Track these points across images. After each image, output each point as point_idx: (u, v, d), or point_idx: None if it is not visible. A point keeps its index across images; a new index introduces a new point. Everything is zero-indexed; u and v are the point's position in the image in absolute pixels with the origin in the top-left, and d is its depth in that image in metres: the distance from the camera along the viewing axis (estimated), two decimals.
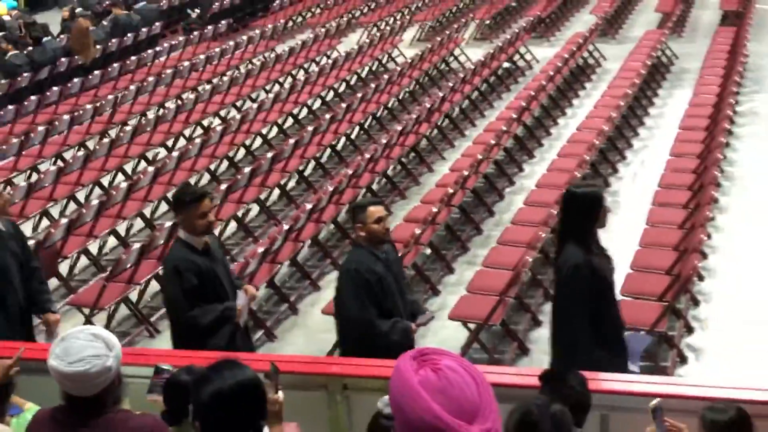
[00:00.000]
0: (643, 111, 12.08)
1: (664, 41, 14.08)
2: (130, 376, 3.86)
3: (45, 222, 9.08)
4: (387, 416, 3.10)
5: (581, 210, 5.00)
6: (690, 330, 6.88)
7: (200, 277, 5.27)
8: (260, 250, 7.14)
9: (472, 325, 6.63)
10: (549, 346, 5.30)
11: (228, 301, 5.41)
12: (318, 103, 12.80)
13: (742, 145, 10.66)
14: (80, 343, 3.12)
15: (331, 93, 13.20)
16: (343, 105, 11.11)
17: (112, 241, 8.84)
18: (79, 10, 16.17)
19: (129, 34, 15.23)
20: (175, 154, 9.63)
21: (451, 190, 8.23)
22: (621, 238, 8.35)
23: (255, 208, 9.44)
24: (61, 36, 14.88)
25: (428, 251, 8.19)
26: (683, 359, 6.55)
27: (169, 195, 9.50)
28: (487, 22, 16.95)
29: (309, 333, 7.31)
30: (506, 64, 14.08)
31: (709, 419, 3.60)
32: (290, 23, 17.62)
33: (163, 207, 9.59)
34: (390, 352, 4.04)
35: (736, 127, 11.02)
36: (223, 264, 5.58)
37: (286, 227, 7.53)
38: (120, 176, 10.26)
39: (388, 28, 15.67)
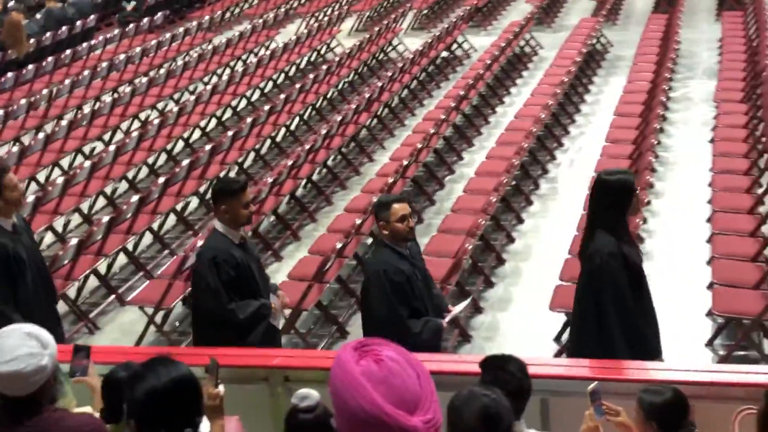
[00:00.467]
0: (580, 98, 12.24)
1: (598, 29, 14.28)
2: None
3: None
4: (304, 410, 3.10)
5: (613, 198, 4.88)
6: None
7: (237, 270, 5.15)
8: (199, 243, 7.08)
9: None
10: (570, 335, 5.11)
11: (263, 299, 5.29)
12: (257, 95, 12.73)
13: (676, 131, 10.86)
14: (13, 342, 3.07)
15: (270, 84, 13.14)
16: (282, 96, 11.07)
17: (49, 236, 8.70)
18: (11, 3, 15.84)
19: (63, 27, 14.97)
20: (112, 147, 9.50)
21: (391, 180, 8.26)
22: (559, 225, 8.49)
23: (194, 201, 9.37)
24: None
25: (369, 241, 8.21)
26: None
27: (107, 190, 9.39)
28: (425, 11, 17.01)
29: None
30: (444, 53, 14.14)
31: (646, 401, 3.66)
32: (227, 14, 17.47)
33: (101, 202, 9.46)
34: (421, 351, 3.95)
35: (670, 112, 11.21)
36: (256, 259, 5.48)
37: None
38: (56, 171, 10.10)
39: (326, 18, 15.63)
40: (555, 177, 9.84)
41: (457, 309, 5.47)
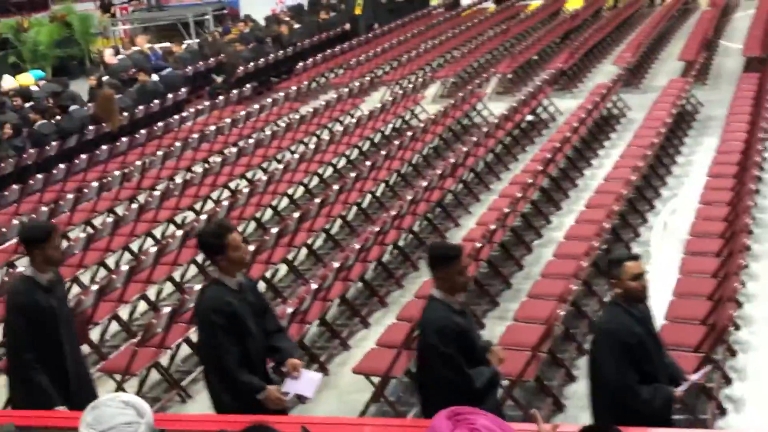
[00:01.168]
0: (671, 159, 12.03)
1: (688, 89, 14.07)
2: None
3: (76, 289, 9.10)
4: None
5: None
6: (728, 381, 6.75)
7: (462, 339, 5.10)
8: (289, 310, 7.12)
9: (505, 382, 6.54)
10: None
11: (490, 366, 5.20)
12: (343, 162, 12.86)
13: None
14: (111, 411, 3.11)
15: (356, 151, 13.27)
16: (368, 163, 11.15)
17: (142, 305, 8.86)
18: (105, 78, 16.42)
19: (155, 101, 15.45)
20: (203, 217, 9.67)
21: (478, 245, 8.18)
22: (654, 289, 8.24)
23: (283, 268, 9.44)
24: (89, 104, 15.09)
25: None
26: (722, 411, 6.42)
27: (198, 258, 9.53)
28: (509, 75, 17.04)
29: (340, 394, 7.24)
30: (529, 117, 14.11)
31: None
32: (314, 84, 17.81)
33: (192, 270, 9.60)
34: (650, 420, 3.77)
35: (765, 173, 10.92)
36: (474, 326, 5.38)
37: (314, 286, 7.50)
38: (149, 241, 10.31)
39: (410, 85, 15.78)
40: (647, 240, 9.63)
41: (694, 377, 5.19)
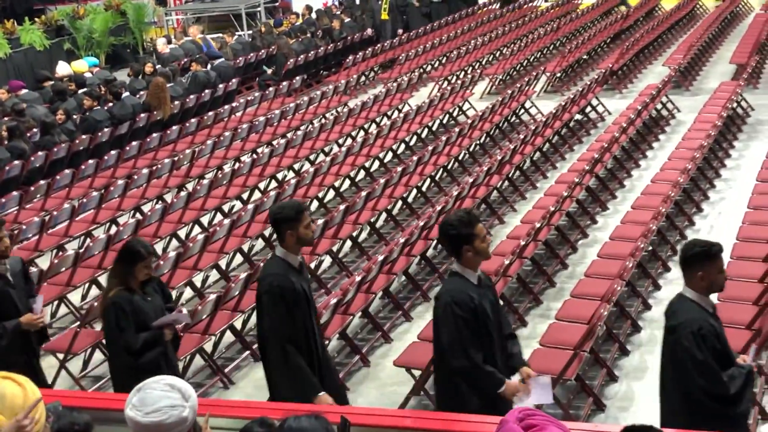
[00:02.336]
0: (719, 163, 11.91)
1: (739, 92, 13.91)
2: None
3: None
4: None
5: None
6: None
7: (718, 341, 4.84)
8: (333, 301, 7.18)
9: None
10: None
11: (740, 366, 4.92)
12: (390, 156, 12.90)
13: None
14: (157, 394, 3.17)
15: (403, 146, 13.30)
16: (415, 158, 11.18)
17: (188, 292, 8.97)
18: (158, 66, 16.61)
19: (206, 90, 15.60)
20: (250, 206, 9.77)
21: (523, 242, 8.18)
22: None
23: (327, 260, 9.51)
24: (141, 92, 15.28)
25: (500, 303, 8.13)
26: (765, 417, 6.37)
27: (244, 247, 9.63)
28: (558, 74, 16.95)
29: (381, 385, 7.30)
30: (578, 116, 14.03)
31: None
32: (362, 78, 17.85)
33: (239, 258, 9.71)
34: None
35: None
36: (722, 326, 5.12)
37: (358, 279, 7.56)
38: (197, 229, 10.44)
39: (458, 81, 15.77)
40: None
41: None
